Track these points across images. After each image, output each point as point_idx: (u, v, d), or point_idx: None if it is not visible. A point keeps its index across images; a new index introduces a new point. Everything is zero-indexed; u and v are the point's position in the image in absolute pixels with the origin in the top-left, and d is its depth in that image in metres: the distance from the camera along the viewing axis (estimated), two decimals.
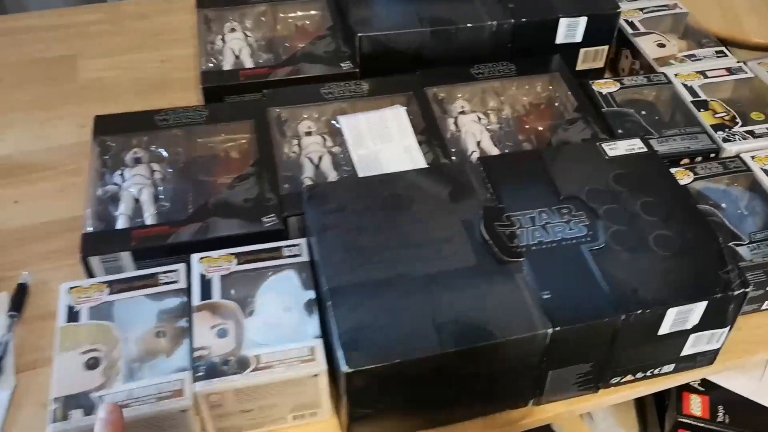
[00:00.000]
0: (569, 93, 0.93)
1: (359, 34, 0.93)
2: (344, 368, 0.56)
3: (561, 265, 0.63)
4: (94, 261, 0.73)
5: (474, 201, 0.69)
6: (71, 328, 0.64)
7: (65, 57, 1.14)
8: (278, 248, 0.71)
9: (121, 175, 0.83)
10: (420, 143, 0.85)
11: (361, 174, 0.81)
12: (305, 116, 0.91)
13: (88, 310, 0.66)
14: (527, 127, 0.92)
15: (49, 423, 0.58)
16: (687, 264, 0.64)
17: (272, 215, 0.76)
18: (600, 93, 0.90)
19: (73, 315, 0.65)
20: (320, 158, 0.85)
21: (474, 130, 0.89)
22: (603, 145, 0.76)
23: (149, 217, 0.78)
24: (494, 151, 0.86)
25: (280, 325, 0.65)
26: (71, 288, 0.68)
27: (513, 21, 0.96)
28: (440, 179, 0.72)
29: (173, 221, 0.75)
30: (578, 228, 0.66)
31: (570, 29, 0.99)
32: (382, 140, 0.84)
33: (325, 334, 0.63)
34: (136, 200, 0.81)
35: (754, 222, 0.75)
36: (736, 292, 0.61)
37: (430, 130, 0.87)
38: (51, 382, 0.61)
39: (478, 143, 0.88)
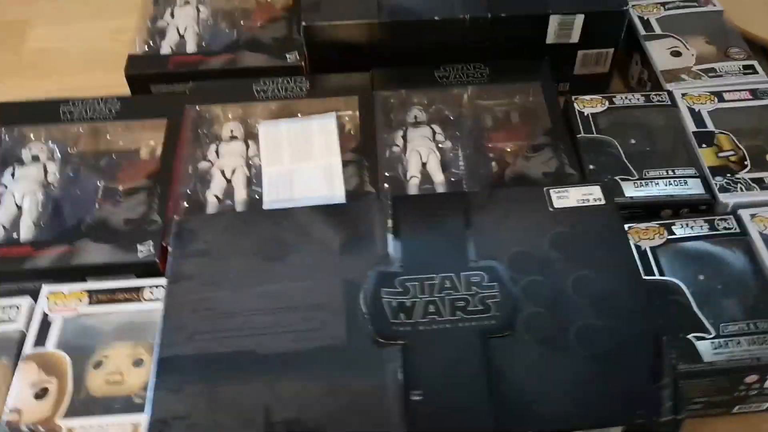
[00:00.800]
0: (547, 108, 0.77)
1: (304, 23, 0.80)
2: None
3: (449, 356, 0.50)
4: None
5: (367, 256, 0.57)
6: None
7: (15, 22, 1.06)
8: (139, 288, 0.61)
9: (12, 174, 0.74)
10: (347, 163, 0.72)
11: (267, 197, 0.70)
12: (231, 117, 0.79)
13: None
14: (490, 146, 0.77)
15: None
16: (610, 370, 0.50)
17: (148, 242, 0.65)
18: (581, 114, 0.75)
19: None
20: (234, 171, 0.74)
21: (422, 147, 0.75)
22: (551, 191, 0.61)
23: (25, 230, 0.69)
24: (439, 179, 0.73)
25: (119, 386, 0.55)
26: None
27: (490, 15, 0.80)
28: (337, 222, 0.60)
29: (38, 241, 0.66)
30: (485, 305, 0.53)
31: (563, 28, 0.82)
32: (301, 157, 0.72)
33: None
34: (19, 207, 0.72)
35: (736, 305, 0.59)
36: (663, 419, 0.47)
37: (364, 147, 0.74)
38: None
39: (424, 165, 0.74)
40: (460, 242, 0.58)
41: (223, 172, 0.74)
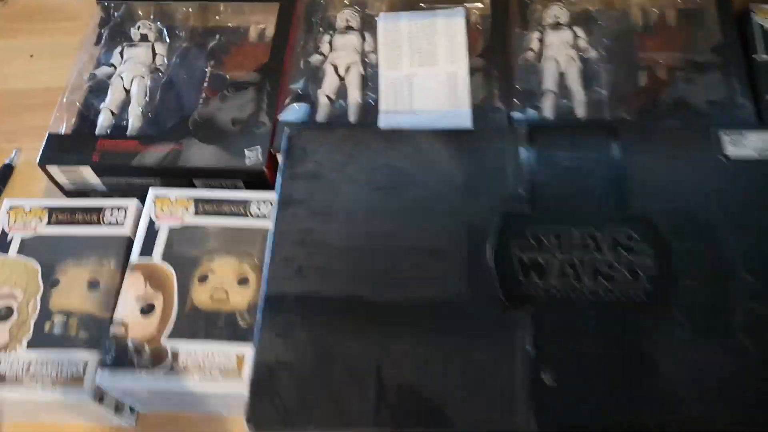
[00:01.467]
0: (717, 17, 0.60)
1: None
2: (246, 425, 0.40)
3: (587, 332, 0.41)
4: (53, 170, 0.59)
5: (495, 195, 0.46)
6: None
7: None
8: (246, 202, 0.53)
9: (121, 53, 0.66)
10: (474, 71, 0.59)
11: (383, 106, 0.58)
12: (347, 2, 0.66)
13: (19, 241, 0.53)
14: (642, 56, 0.62)
15: None
16: None
17: (256, 148, 0.56)
18: (762, 27, 0.57)
19: (3, 243, 0.53)
20: (348, 69, 0.62)
21: (560, 55, 0.61)
22: (723, 135, 0.47)
23: (133, 119, 0.61)
24: (579, 95, 0.59)
25: (223, 303, 0.49)
26: (11, 208, 0.55)
27: None
28: (462, 152, 0.49)
29: (145, 136, 0.58)
30: (633, 274, 0.42)
31: None
32: (423, 60, 0.59)
33: None
34: (128, 91, 0.64)
35: None
36: None
37: (494, 51, 0.60)
38: None
39: (561, 76, 0.60)
40: (607, 187, 0.45)
41: (336, 69, 0.62)
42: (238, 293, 0.50)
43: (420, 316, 0.42)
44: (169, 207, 0.53)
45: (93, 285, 0.51)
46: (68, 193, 0.61)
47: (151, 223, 0.52)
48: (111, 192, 0.61)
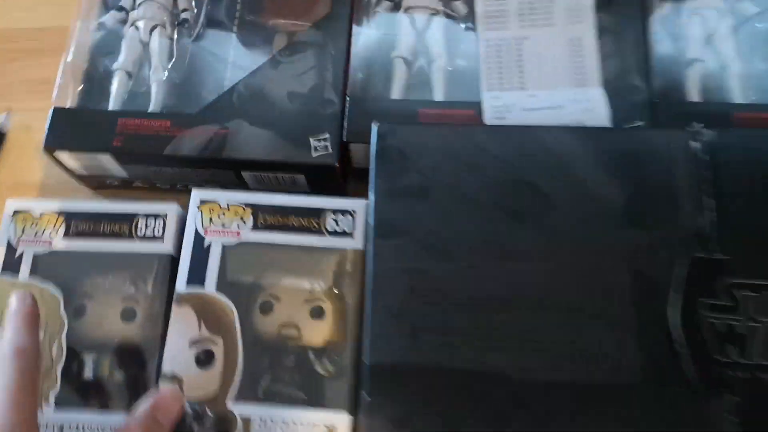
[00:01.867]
0: None
1: None
2: None
3: None
4: (63, 156, 0.44)
5: (672, 232, 0.33)
6: (4, 285, 0.39)
7: None
8: (320, 212, 0.40)
9: None
10: (603, 30, 0.44)
11: (484, 83, 0.43)
12: None
13: (31, 258, 0.40)
14: None
15: None
16: None
17: (324, 135, 0.42)
18: None
19: (12, 260, 0.40)
20: (429, 22, 0.47)
21: (708, 10, 0.45)
22: None
23: (157, 86, 0.46)
24: (734, 66, 0.44)
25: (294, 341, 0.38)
26: (16, 212, 0.41)
27: None
28: (621, 163, 0.35)
29: (179, 114, 0.43)
30: None
31: None
32: (536, 18, 0.44)
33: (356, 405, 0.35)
34: (146, 44, 0.48)
35: None
36: None
37: (625, 4, 0.45)
38: None
39: (709, 37, 0.45)
40: None
41: (413, 22, 0.46)
42: (313, 329, 0.38)
43: (576, 401, 0.31)
44: (220, 217, 0.39)
45: (128, 315, 0.39)
46: (79, 177, 0.47)
47: (199, 239, 0.39)
48: (132, 179, 0.47)
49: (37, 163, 0.51)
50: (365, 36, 0.45)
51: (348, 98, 0.43)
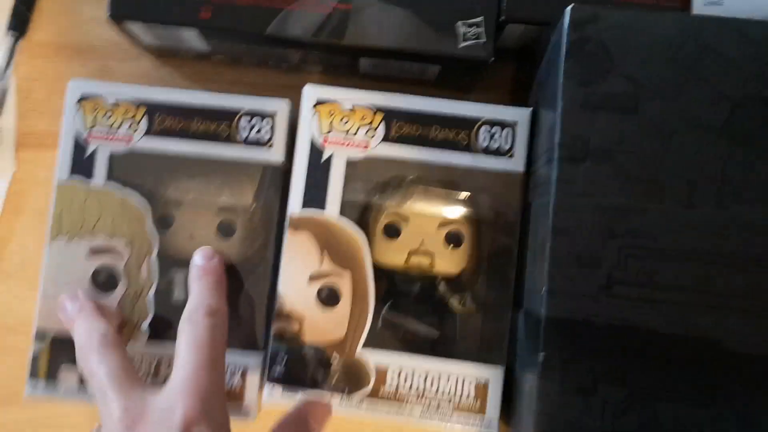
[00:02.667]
0: None
1: None
2: None
3: None
4: (135, 27, 0.37)
5: None
6: (76, 191, 0.34)
7: None
8: (469, 123, 0.33)
9: None
10: None
11: None
12: None
13: (107, 157, 0.34)
14: None
15: (26, 376, 0.33)
16: None
17: (477, 20, 0.35)
18: None
19: (81, 161, 0.34)
20: None
21: None
22: None
23: None
24: None
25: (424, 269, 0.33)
26: (83, 98, 0.34)
27: None
28: None
29: None
30: None
31: None
32: None
33: (511, 361, 0.31)
34: None
35: None
36: None
37: None
38: (37, 302, 0.33)
39: None
40: None
41: None
42: (448, 258, 0.33)
43: None
44: (342, 122, 0.33)
45: (225, 229, 0.33)
46: (145, 46, 0.40)
47: (316, 151, 0.33)
48: (212, 53, 0.40)
49: (84, 18, 0.43)
50: None
51: None
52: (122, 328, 0.33)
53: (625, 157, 0.29)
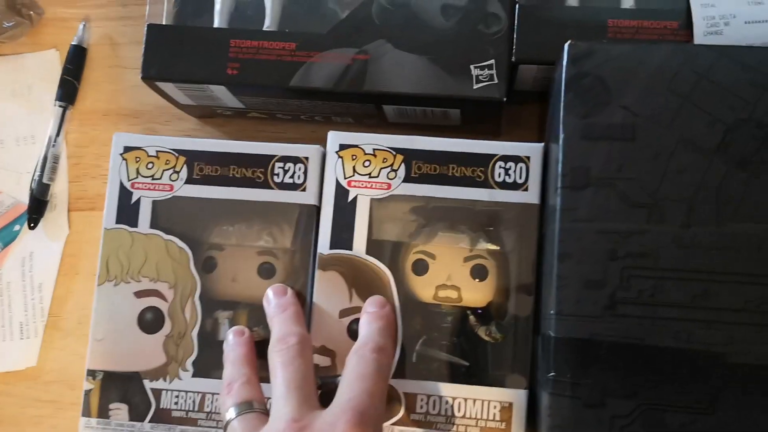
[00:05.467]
0: None
1: None
2: None
3: None
4: (167, 87, 0.49)
5: None
6: (122, 238, 0.45)
7: None
8: (487, 159, 0.43)
9: None
10: None
11: None
12: None
13: (151, 205, 0.45)
14: None
15: (81, 415, 0.44)
16: None
17: (488, 63, 0.45)
18: None
19: (126, 209, 0.46)
20: None
21: None
22: None
23: None
24: None
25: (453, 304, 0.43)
26: (126, 150, 0.46)
27: None
28: None
29: (305, 34, 0.47)
30: None
31: None
32: None
33: (533, 383, 0.40)
34: None
35: None
36: None
37: None
38: (88, 344, 0.45)
39: None
40: None
41: None
42: (474, 290, 0.42)
43: None
44: (366, 165, 0.44)
45: (266, 271, 0.44)
46: (183, 106, 0.53)
47: (342, 192, 0.44)
48: (247, 109, 0.52)
49: (128, 85, 0.55)
50: None
51: (517, 6, 0.45)
52: (167, 366, 0.44)
53: (625, 183, 0.38)
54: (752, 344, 0.35)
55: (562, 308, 0.37)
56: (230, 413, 0.37)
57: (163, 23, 0.49)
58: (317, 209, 0.44)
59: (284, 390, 0.36)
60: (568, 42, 0.39)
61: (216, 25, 0.48)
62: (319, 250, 0.43)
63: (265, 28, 0.48)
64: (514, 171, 0.42)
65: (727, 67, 0.37)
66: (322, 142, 0.45)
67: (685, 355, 0.36)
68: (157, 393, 0.43)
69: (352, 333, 0.42)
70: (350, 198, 0.43)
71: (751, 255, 0.36)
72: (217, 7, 0.49)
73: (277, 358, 0.38)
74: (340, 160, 0.43)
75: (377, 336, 0.39)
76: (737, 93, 0.37)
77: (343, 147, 0.44)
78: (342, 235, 0.43)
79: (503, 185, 0.42)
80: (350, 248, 0.42)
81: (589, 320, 0.36)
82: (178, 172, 0.45)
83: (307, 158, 0.44)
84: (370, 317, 0.41)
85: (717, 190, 0.36)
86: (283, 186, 0.44)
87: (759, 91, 0.37)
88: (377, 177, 0.43)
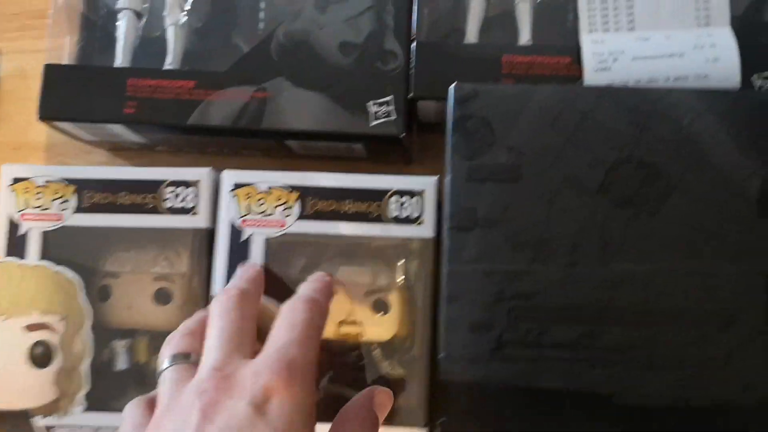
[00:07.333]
0: None
1: None
2: None
3: None
4: (65, 125, 0.48)
5: None
6: (11, 270, 0.44)
7: None
8: (382, 195, 0.43)
9: None
10: None
11: (584, 23, 0.45)
12: None
13: (40, 237, 0.44)
14: None
15: None
16: None
17: (386, 99, 0.45)
18: None
19: (15, 239, 0.44)
20: None
21: None
22: None
23: (174, 32, 0.49)
24: None
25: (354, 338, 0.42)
26: (15, 181, 0.45)
27: None
28: (753, 131, 0.37)
29: (204, 72, 0.46)
30: None
31: None
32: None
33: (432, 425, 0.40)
34: None
35: None
36: None
37: None
38: None
39: None
40: None
41: None
42: (376, 324, 0.41)
43: (693, 426, 0.34)
44: (260, 203, 0.43)
45: (162, 297, 0.43)
46: (90, 142, 0.51)
47: (236, 233, 0.42)
48: (153, 144, 0.50)
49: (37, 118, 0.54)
50: None
51: (414, 44, 0.45)
52: (59, 401, 0.42)
53: (511, 223, 0.37)
54: (638, 385, 0.35)
55: (450, 351, 0.36)
56: (164, 364, 0.35)
57: (65, 60, 0.47)
58: (211, 232, 0.42)
59: (214, 340, 0.35)
60: (454, 84, 0.38)
61: (118, 62, 0.47)
62: (213, 292, 0.41)
63: (166, 65, 0.46)
64: (409, 205, 0.41)
65: (607, 107, 0.37)
66: None
67: (573, 396, 0.35)
68: (50, 430, 0.41)
69: None
70: (244, 237, 0.42)
71: (635, 294, 0.35)
72: (120, 43, 0.48)
73: (215, 308, 0.36)
74: (234, 198, 0.42)
75: (311, 292, 0.38)
76: (617, 132, 0.36)
77: (237, 186, 0.42)
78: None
79: (398, 220, 0.41)
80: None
81: (478, 363, 0.35)
82: (67, 201, 0.43)
83: (197, 181, 0.43)
84: (308, 280, 0.40)
85: (600, 230, 0.36)
86: (174, 211, 0.43)
87: (637, 130, 0.36)
88: (272, 215, 0.42)
